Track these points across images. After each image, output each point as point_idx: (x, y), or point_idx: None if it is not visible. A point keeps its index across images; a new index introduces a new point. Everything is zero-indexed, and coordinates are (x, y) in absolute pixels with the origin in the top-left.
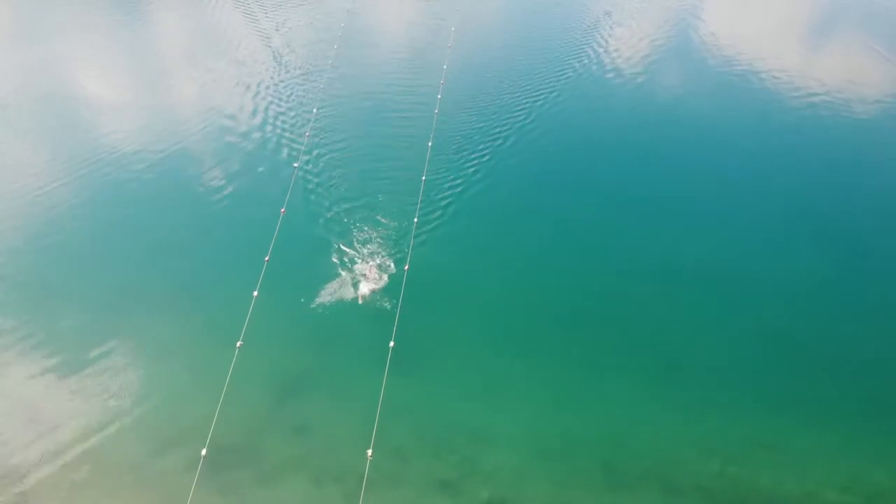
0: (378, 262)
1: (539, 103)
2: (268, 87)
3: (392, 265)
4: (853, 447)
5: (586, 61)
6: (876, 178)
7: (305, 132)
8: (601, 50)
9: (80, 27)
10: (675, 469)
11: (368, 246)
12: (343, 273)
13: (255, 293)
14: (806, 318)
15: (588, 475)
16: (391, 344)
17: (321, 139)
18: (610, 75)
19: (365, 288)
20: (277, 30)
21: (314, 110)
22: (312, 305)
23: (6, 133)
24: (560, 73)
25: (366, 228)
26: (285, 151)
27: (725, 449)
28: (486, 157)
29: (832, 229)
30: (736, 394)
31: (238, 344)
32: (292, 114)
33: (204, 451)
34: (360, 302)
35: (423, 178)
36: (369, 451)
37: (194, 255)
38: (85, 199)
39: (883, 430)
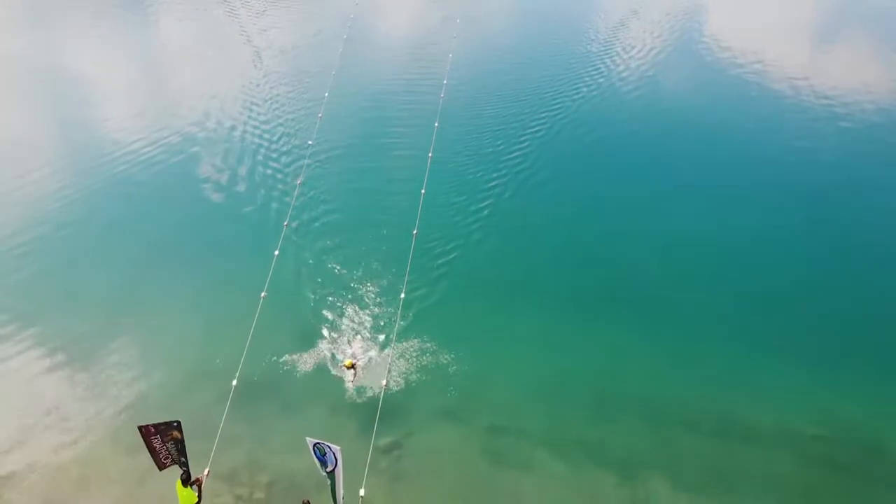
0: (389, 229)
1: (540, 94)
2: (280, 76)
3: (401, 235)
4: (824, 386)
5: (594, 54)
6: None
7: (318, 114)
8: (608, 43)
9: (78, 21)
10: (660, 403)
11: (379, 214)
12: (357, 234)
13: (277, 252)
14: (786, 281)
15: (580, 406)
16: (402, 296)
17: (334, 116)
18: (620, 68)
19: (375, 257)
20: (283, 19)
21: (325, 94)
22: (327, 263)
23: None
24: (566, 67)
25: (378, 196)
26: (300, 130)
27: (709, 387)
28: (489, 133)
29: (827, 213)
30: (721, 341)
31: (262, 294)
32: (305, 99)
33: (234, 382)
34: (372, 263)
35: (430, 155)
36: (383, 382)
37: (220, 222)
38: (120, 173)
39: (848, 370)
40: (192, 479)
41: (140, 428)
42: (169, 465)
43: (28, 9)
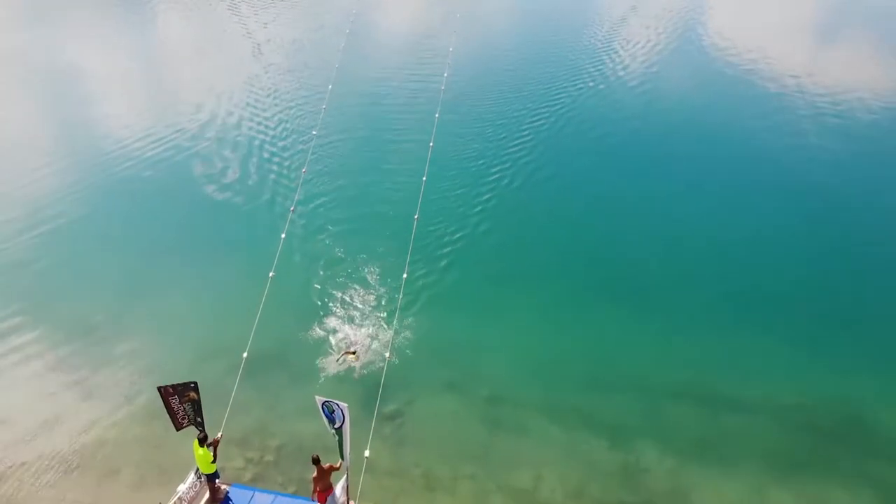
0: (392, 213)
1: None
2: (284, 71)
3: (403, 219)
4: (809, 364)
5: (595, 51)
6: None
7: (322, 105)
8: (608, 41)
9: (80, 20)
10: (650, 379)
11: (381, 200)
12: (360, 219)
13: (283, 235)
14: (782, 274)
15: (574, 379)
16: (404, 276)
17: (337, 108)
18: (623, 65)
19: (377, 240)
20: (285, 16)
21: (329, 87)
22: (332, 246)
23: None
24: (566, 64)
25: (380, 183)
26: (304, 121)
27: (697, 365)
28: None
29: (826, 213)
30: (711, 324)
31: (271, 274)
32: (309, 93)
33: (245, 355)
34: (375, 246)
35: (431, 144)
36: (387, 354)
37: (229, 210)
38: (131, 167)
39: (830, 351)
40: (210, 440)
41: (159, 389)
42: (186, 426)
43: (27, 8)
